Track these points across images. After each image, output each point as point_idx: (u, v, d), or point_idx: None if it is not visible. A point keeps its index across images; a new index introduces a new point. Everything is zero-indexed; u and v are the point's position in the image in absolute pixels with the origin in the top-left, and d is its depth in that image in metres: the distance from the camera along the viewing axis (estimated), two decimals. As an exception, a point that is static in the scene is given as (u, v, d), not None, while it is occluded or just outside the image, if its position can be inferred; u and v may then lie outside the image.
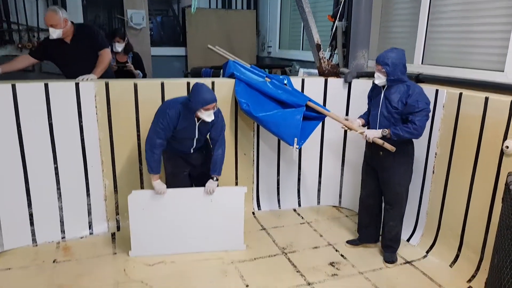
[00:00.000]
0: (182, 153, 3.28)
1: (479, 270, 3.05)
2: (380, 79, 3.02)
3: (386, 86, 3.05)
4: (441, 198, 3.37)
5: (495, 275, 2.33)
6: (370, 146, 3.22)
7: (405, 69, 3.00)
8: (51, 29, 3.68)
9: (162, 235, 3.31)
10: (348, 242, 3.59)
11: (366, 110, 3.40)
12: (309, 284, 3.02)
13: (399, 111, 3.00)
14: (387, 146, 3.03)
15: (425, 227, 3.54)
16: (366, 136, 3.08)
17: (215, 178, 3.25)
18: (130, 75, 4.68)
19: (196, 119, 3.07)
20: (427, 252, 3.43)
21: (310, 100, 3.63)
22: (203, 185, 3.26)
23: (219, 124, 3.22)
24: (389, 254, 3.33)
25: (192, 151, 3.28)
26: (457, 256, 3.24)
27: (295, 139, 3.44)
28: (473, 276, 3.05)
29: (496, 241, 2.49)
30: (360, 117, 3.39)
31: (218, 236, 3.37)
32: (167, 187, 3.22)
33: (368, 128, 3.23)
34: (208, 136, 3.28)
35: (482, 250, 3.05)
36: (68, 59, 3.87)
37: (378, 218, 3.47)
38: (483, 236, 3.04)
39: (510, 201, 2.23)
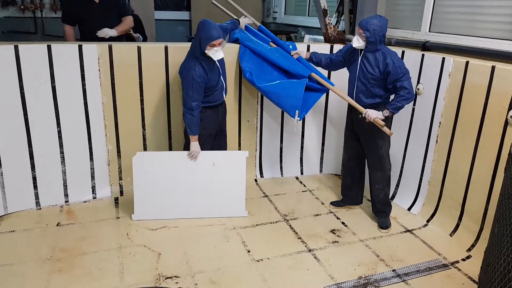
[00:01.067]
0: (213, 109, 3.26)
1: (479, 239, 3.08)
2: (358, 43, 3.05)
3: (363, 52, 3.09)
4: (443, 168, 3.37)
5: (495, 244, 2.35)
6: (351, 111, 3.30)
7: (384, 38, 3.04)
8: None
9: (165, 200, 3.33)
10: (331, 203, 3.74)
11: (327, 54, 3.51)
12: (310, 250, 3.06)
13: (375, 77, 3.05)
14: (386, 130, 3.11)
15: (427, 197, 3.56)
16: (368, 115, 3.08)
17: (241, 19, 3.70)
18: (130, 38, 4.56)
19: (214, 61, 3.05)
20: (428, 221, 3.46)
21: (315, 71, 3.57)
22: (218, 146, 3.46)
23: (226, 29, 3.48)
24: (383, 220, 3.39)
25: (225, 94, 3.33)
26: (457, 226, 3.27)
27: (297, 111, 3.41)
28: (473, 245, 3.09)
29: (497, 211, 2.51)
30: (311, 52, 3.55)
31: (220, 203, 3.39)
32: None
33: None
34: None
35: (482, 220, 3.08)
36: (95, 19, 3.86)
37: (360, 181, 3.58)
38: (484, 206, 3.06)
39: (512, 170, 2.23)
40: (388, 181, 3.37)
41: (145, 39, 4.73)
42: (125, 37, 4.34)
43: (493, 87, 2.93)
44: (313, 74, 3.53)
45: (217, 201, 3.39)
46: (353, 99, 3.22)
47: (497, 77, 2.90)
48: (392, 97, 3.15)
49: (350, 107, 3.29)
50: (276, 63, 3.59)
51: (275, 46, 3.75)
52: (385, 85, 3.08)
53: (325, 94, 3.95)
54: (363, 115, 3.10)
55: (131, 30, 4.45)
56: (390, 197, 3.52)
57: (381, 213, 3.41)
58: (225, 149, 3.58)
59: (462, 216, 3.25)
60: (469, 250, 3.08)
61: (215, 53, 2.97)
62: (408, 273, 2.85)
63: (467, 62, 3.11)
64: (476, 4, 3.39)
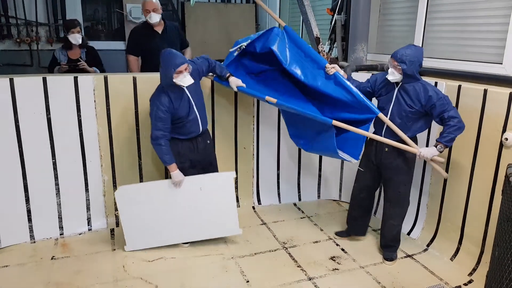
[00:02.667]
0: (192, 141, 3.20)
1: (480, 263, 3.05)
2: (393, 76, 2.87)
3: (400, 84, 2.93)
4: (441, 191, 3.37)
5: (496, 268, 2.32)
6: (375, 142, 3.11)
7: (420, 67, 2.87)
8: (152, 14, 3.89)
9: (155, 228, 3.27)
10: (336, 233, 3.62)
11: (357, 82, 3.22)
12: (310, 279, 3.01)
13: (415, 110, 2.89)
14: (443, 173, 3.02)
15: (426, 221, 3.53)
16: (423, 156, 2.86)
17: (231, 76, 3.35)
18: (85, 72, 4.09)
19: (184, 89, 3.01)
20: (428, 245, 3.42)
21: (352, 97, 3.13)
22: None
23: (202, 63, 3.22)
24: (389, 253, 3.26)
25: (200, 128, 3.19)
26: (457, 249, 3.24)
27: (343, 153, 3.17)
28: (474, 269, 3.05)
29: (497, 234, 2.49)
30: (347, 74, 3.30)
31: (212, 224, 3.31)
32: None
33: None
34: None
35: (482, 243, 3.05)
36: (157, 50, 3.84)
37: (368, 213, 3.45)
38: (483, 229, 3.04)
39: (510, 193, 2.23)
40: (404, 218, 3.21)
41: (103, 71, 4.26)
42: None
43: (486, 110, 2.97)
44: (335, 122, 3.08)
45: (209, 223, 3.30)
46: (381, 131, 3.05)
47: (489, 100, 2.94)
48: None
49: (372, 140, 3.11)
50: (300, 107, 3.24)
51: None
52: (422, 119, 2.95)
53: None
54: (418, 156, 2.89)
55: (85, 64, 4.04)
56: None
57: (390, 248, 3.27)
58: None
59: (462, 239, 3.22)
60: (470, 274, 3.04)
61: (183, 79, 2.91)
62: (411, 300, 2.80)
63: (459, 86, 3.15)
64: (466, 30, 3.48)
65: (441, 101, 2.80)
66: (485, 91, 2.96)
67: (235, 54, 3.44)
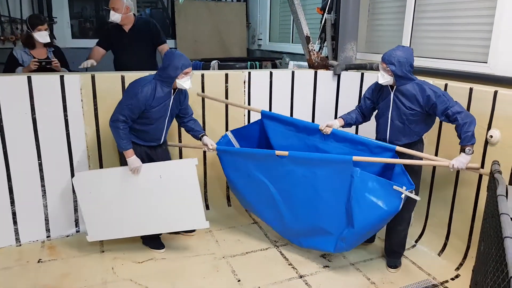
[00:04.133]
0: (150, 147, 3.11)
1: (466, 257, 3.11)
2: (383, 78, 2.81)
3: (395, 87, 2.85)
4: (428, 188, 3.42)
5: (482, 262, 2.37)
6: (381, 140, 3.03)
7: (412, 68, 2.79)
8: (111, 12, 3.80)
9: (116, 218, 3.11)
10: None
11: (355, 108, 3.18)
12: (301, 276, 3.02)
13: (415, 112, 2.79)
14: (482, 171, 2.86)
15: (414, 217, 3.57)
16: (457, 167, 2.70)
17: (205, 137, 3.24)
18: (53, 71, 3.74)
19: (172, 91, 2.97)
20: (416, 241, 3.48)
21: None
22: None
23: (187, 100, 3.21)
24: (394, 260, 3.17)
25: (162, 139, 3.13)
26: (445, 245, 3.30)
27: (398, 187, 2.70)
28: (461, 264, 3.11)
29: (482, 229, 2.54)
30: (340, 117, 3.16)
31: (176, 215, 3.10)
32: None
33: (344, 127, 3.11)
34: (179, 114, 3.22)
35: (469, 239, 3.12)
36: (123, 48, 3.89)
37: None
38: (469, 225, 3.11)
39: (494, 189, 2.28)
40: (410, 222, 3.15)
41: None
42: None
43: (472, 108, 3.02)
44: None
45: (173, 215, 3.10)
46: (387, 139, 2.95)
47: (475, 98, 3.00)
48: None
49: (379, 138, 3.02)
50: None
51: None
52: (425, 120, 2.85)
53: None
54: (451, 168, 2.73)
55: (58, 63, 3.69)
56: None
57: (395, 254, 3.17)
58: None
59: (449, 235, 3.28)
60: (457, 269, 3.10)
61: (186, 81, 2.93)
62: (400, 296, 2.85)
63: (446, 85, 3.21)
64: (452, 29, 3.54)
65: (441, 99, 2.71)
66: (471, 89, 3.02)
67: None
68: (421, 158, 2.90)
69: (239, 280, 2.96)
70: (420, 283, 2.98)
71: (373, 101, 3.07)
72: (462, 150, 2.70)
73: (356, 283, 2.96)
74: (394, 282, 2.98)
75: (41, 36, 3.58)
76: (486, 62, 3.21)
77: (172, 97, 3.01)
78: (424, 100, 2.75)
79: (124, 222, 3.13)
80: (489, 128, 2.91)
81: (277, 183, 3.09)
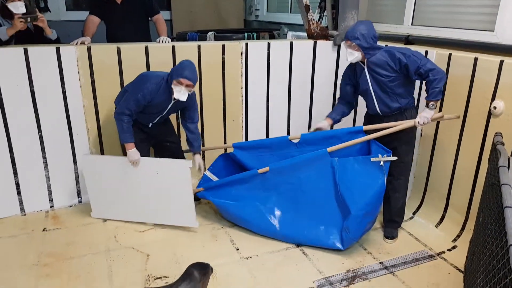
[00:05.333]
0: (140, 124, 3.18)
1: (464, 229, 3.12)
2: (352, 55, 2.85)
3: (366, 61, 2.88)
4: (428, 160, 3.40)
5: (480, 233, 2.38)
6: (372, 116, 3.07)
7: (376, 39, 2.85)
8: None
9: (116, 202, 3.28)
10: None
11: (338, 100, 3.22)
12: (298, 246, 3.08)
13: (392, 77, 2.83)
14: (450, 116, 2.94)
15: (412, 190, 3.59)
16: (422, 123, 2.82)
17: (198, 156, 3.38)
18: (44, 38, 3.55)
19: (173, 96, 3.00)
20: (414, 213, 3.49)
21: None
22: (163, 155, 3.31)
23: (195, 105, 3.23)
24: (391, 230, 3.19)
25: (150, 125, 3.21)
26: (442, 217, 3.30)
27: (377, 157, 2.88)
28: (458, 236, 3.13)
29: (482, 200, 2.54)
30: (327, 116, 3.19)
31: (170, 211, 3.21)
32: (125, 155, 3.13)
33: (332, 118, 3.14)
34: (183, 115, 3.28)
35: (467, 211, 3.12)
36: (116, 20, 3.83)
37: None
38: (468, 197, 3.10)
39: (496, 160, 2.26)
40: (407, 189, 3.17)
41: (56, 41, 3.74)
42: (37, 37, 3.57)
43: (476, 79, 2.95)
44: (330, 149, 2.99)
45: (166, 209, 3.20)
46: (377, 111, 3.00)
47: (480, 68, 2.93)
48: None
49: (371, 112, 3.06)
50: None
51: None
52: (405, 82, 2.87)
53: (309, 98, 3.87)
54: (417, 125, 2.85)
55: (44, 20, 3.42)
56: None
57: (393, 223, 3.20)
58: (181, 154, 3.46)
59: (447, 207, 3.29)
60: (454, 240, 3.12)
61: (179, 92, 2.90)
62: (395, 265, 2.88)
63: (450, 55, 3.13)
64: (458, -4, 3.42)
65: (411, 58, 2.74)
66: (476, 59, 2.94)
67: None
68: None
69: (237, 249, 3.02)
70: (416, 253, 3.01)
71: (352, 84, 3.10)
72: (426, 105, 2.80)
73: (352, 253, 3.00)
74: (391, 252, 3.02)
75: (15, 6, 3.24)
76: (493, 31, 3.11)
77: (172, 102, 3.05)
78: (395, 64, 2.79)
79: (123, 207, 3.28)
80: (493, 99, 2.85)
81: (267, 200, 3.15)
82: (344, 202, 2.90)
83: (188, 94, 2.96)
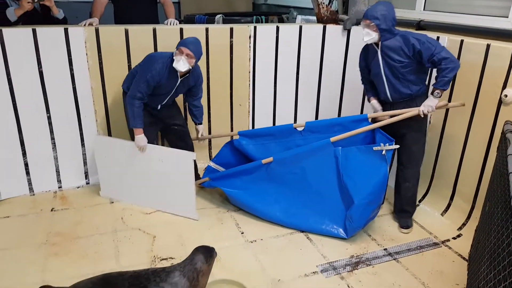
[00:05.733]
0: (149, 107, 3.18)
1: (469, 218, 3.11)
2: (369, 36, 2.79)
3: (380, 44, 2.83)
4: (436, 148, 3.37)
5: (486, 222, 2.37)
6: (388, 105, 3.02)
7: (395, 21, 2.78)
8: None
9: (123, 184, 3.34)
10: None
11: (362, 81, 3.17)
12: (302, 231, 3.09)
13: (405, 63, 2.79)
14: (452, 104, 2.90)
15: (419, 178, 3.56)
16: (426, 111, 2.79)
17: (201, 125, 3.45)
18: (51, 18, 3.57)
19: (179, 77, 3.00)
20: (420, 201, 3.48)
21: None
22: (170, 138, 3.35)
23: (200, 85, 3.25)
24: (405, 220, 3.16)
25: (159, 107, 3.21)
26: (448, 205, 3.29)
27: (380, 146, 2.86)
28: (464, 224, 3.12)
29: (489, 189, 2.52)
30: (371, 97, 3.10)
31: (172, 200, 3.22)
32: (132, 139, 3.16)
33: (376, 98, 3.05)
34: (187, 95, 3.31)
35: (474, 199, 3.10)
36: (124, 2, 3.81)
37: None
38: (475, 186, 3.07)
39: (505, 149, 2.23)
40: (419, 178, 3.11)
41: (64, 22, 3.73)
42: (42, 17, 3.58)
43: (487, 66, 2.90)
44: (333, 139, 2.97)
45: (169, 198, 3.23)
46: (387, 96, 2.96)
47: (491, 55, 2.87)
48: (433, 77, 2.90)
49: (382, 98, 3.02)
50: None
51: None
52: (418, 69, 2.82)
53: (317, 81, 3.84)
54: (421, 114, 2.82)
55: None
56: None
57: (405, 213, 3.17)
58: (187, 142, 3.45)
59: (454, 195, 3.27)
60: (460, 228, 3.11)
61: (179, 61, 2.89)
62: (400, 252, 2.89)
63: (462, 41, 3.07)
64: (471, -19, 3.34)
65: (426, 45, 2.69)
66: (488, 46, 2.89)
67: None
68: None
69: (242, 233, 3.05)
70: (421, 241, 3.01)
71: (366, 66, 3.05)
72: (432, 92, 2.77)
73: (357, 239, 3.01)
74: (395, 239, 3.02)
75: None
76: (507, 17, 3.05)
77: (179, 81, 3.04)
78: (409, 50, 2.74)
79: (129, 190, 3.34)
80: (504, 87, 2.80)
81: (271, 190, 3.16)
82: (348, 191, 2.90)
83: (191, 72, 2.95)
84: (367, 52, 3.00)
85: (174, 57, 2.92)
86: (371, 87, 3.13)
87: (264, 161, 3.12)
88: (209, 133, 3.96)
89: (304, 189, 3.07)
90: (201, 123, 3.45)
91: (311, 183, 3.05)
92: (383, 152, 2.82)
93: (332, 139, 2.95)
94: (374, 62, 2.93)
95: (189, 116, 3.52)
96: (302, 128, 3.20)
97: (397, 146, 2.86)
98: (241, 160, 3.45)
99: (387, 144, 2.82)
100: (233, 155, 3.51)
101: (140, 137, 3.07)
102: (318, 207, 3.05)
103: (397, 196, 3.18)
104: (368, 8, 2.82)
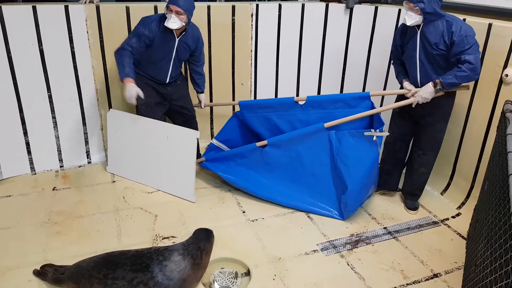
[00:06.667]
0: (157, 83, 3.16)
1: (469, 197, 3.15)
2: (412, 19, 2.61)
3: (421, 26, 2.66)
4: (437, 128, 3.38)
5: (485, 201, 2.40)
6: (412, 83, 2.89)
7: (441, 2, 2.59)
8: None
9: (129, 161, 3.37)
10: None
11: (394, 64, 3.02)
12: (303, 211, 3.11)
13: (442, 52, 2.63)
14: (463, 87, 2.75)
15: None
16: (420, 101, 2.72)
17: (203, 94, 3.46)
18: None
19: (175, 34, 2.96)
20: (420, 180, 3.50)
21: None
22: (177, 121, 3.34)
23: (201, 48, 3.21)
24: (413, 202, 3.18)
25: (168, 79, 3.17)
26: (448, 184, 3.32)
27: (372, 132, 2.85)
28: (463, 203, 3.16)
29: (488, 168, 2.54)
30: (403, 79, 2.93)
31: (171, 179, 3.22)
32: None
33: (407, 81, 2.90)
34: (189, 62, 3.27)
35: (473, 178, 3.13)
36: None
37: (402, 165, 3.22)
38: (475, 165, 3.10)
39: (504, 128, 2.24)
40: (433, 165, 3.06)
41: None
42: None
43: (489, 45, 2.89)
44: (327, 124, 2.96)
45: (169, 177, 3.23)
46: (417, 80, 2.81)
47: (493, 35, 2.86)
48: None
49: (411, 81, 2.88)
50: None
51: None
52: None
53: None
54: (413, 104, 2.76)
55: None
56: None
57: (413, 196, 3.17)
58: (193, 126, 3.42)
59: (454, 175, 3.30)
60: (459, 207, 3.15)
61: (169, 20, 2.85)
62: (399, 230, 2.92)
63: (464, 20, 3.05)
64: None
65: (463, 39, 2.52)
66: (490, 25, 2.87)
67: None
68: None
69: (243, 212, 3.07)
70: (420, 219, 3.05)
71: (401, 45, 2.91)
72: (434, 84, 2.68)
73: (357, 218, 3.04)
74: (395, 218, 3.06)
75: None
76: (510, -4, 3.02)
77: (177, 40, 2.99)
78: (448, 37, 2.58)
79: (134, 167, 3.37)
80: (505, 66, 2.80)
81: (267, 172, 3.19)
82: (341, 176, 2.93)
83: (185, 31, 2.94)
84: (405, 31, 2.83)
85: (166, 13, 2.87)
86: (403, 68, 2.97)
87: (258, 144, 3.14)
88: (211, 115, 3.97)
89: (299, 171, 3.10)
90: (203, 92, 3.44)
91: (306, 166, 3.07)
92: (374, 137, 2.83)
93: (326, 124, 2.94)
94: (411, 43, 2.77)
95: (190, 86, 3.50)
96: (304, 102, 3.18)
97: (387, 134, 2.85)
98: (244, 135, 3.45)
99: (378, 130, 2.83)
100: (237, 129, 3.50)
101: (130, 86, 2.87)
102: (313, 189, 3.09)
103: (409, 179, 3.14)
104: None
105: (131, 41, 2.91)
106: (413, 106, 2.79)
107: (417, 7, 2.57)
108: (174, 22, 2.86)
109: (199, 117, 3.60)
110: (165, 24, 2.87)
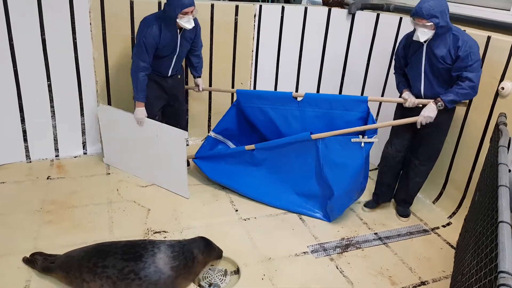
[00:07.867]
0: (159, 76, 3.16)
1: (460, 207, 3.18)
2: (425, 35, 2.54)
3: (427, 40, 2.62)
4: (432, 138, 3.41)
5: (474, 211, 2.42)
6: (415, 94, 2.86)
7: (448, 11, 2.54)
8: None
9: (125, 154, 3.40)
10: (365, 205, 3.27)
11: (396, 74, 2.99)
12: (295, 212, 3.13)
13: (448, 66, 2.59)
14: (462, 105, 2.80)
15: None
16: (423, 123, 2.71)
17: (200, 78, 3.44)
18: None
19: (178, 30, 2.97)
20: (412, 188, 3.53)
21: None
22: (167, 116, 3.35)
23: (199, 32, 3.20)
24: (405, 209, 3.20)
25: (169, 73, 3.17)
26: (440, 193, 3.35)
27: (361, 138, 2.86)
28: (454, 213, 3.18)
29: (480, 179, 2.57)
30: (404, 89, 2.90)
31: (164, 175, 3.24)
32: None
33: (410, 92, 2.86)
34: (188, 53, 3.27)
35: (465, 189, 3.16)
36: None
37: (397, 177, 3.19)
38: (468, 175, 3.13)
39: (497, 140, 2.27)
40: (428, 175, 3.08)
41: None
42: None
43: (487, 58, 2.92)
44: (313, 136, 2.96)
45: (163, 173, 3.25)
46: (420, 92, 2.79)
47: (491, 47, 2.89)
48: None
49: (414, 92, 2.85)
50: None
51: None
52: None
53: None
54: (418, 125, 2.74)
55: None
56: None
57: (406, 204, 3.19)
58: (182, 120, 3.47)
59: (446, 184, 3.32)
60: (450, 217, 3.18)
61: (189, 21, 2.86)
62: (389, 237, 2.95)
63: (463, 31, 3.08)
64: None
65: (466, 54, 2.51)
66: (488, 38, 2.90)
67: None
68: None
69: (236, 210, 3.09)
70: (411, 227, 3.07)
71: (404, 57, 2.88)
72: (435, 102, 2.68)
73: (348, 222, 3.07)
74: (386, 224, 3.08)
75: None
76: (509, 10, 3.06)
77: (179, 36, 3.00)
78: (454, 51, 2.56)
79: (129, 160, 3.38)
80: (501, 79, 2.83)
81: (256, 174, 3.22)
82: (328, 182, 2.95)
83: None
84: (409, 43, 2.78)
85: (179, 21, 2.86)
86: (404, 79, 2.94)
87: (247, 147, 3.18)
88: (210, 113, 3.98)
89: (287, 173, 3.15)
90: (200, 76, 3.44)
91: (294, 169, 3.11)
92: (362, 144, 2.84)
93: (313, 136, 2.94)
94: (416, 56, 2.72)
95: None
96: (301, 98, 3.17)
97: (376, 140, 2.84)
98: (242, 125, 3.46)
99: (366, 136, 2.83)
100: (234, 119, 3.48)
101: (140, 110, 3.09)
102: (300, 191, 3.14)
103: (404, 188, 3.14)
104: (419, 6, 2.51)
105: (142, 56, 2.91)
106: (418, 127, 2.78)
107: (431, 23, 2.50)
108: (192, 23, 2.89)
109: (199, 114, 3.60)
110: (185, 26, 2.87)
